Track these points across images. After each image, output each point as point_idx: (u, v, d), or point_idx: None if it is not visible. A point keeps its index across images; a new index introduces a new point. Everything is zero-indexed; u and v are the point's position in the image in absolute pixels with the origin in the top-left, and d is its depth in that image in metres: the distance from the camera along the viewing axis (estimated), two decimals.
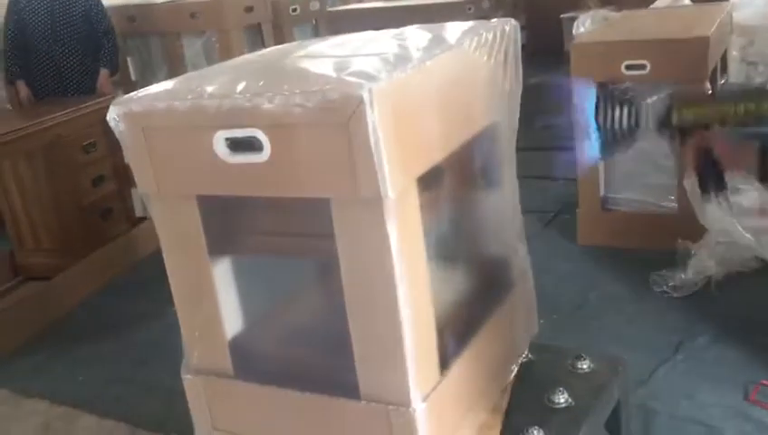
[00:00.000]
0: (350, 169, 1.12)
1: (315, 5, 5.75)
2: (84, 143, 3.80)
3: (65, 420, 2.76)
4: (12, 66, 4.33)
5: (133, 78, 5.14)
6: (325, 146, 1.13)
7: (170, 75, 4.87)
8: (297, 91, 1.12)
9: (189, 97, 1.23)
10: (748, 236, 2.87)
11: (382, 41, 1.43)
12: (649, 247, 3.13)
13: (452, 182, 1.43)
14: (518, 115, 1.56)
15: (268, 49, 1.70)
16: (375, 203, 1.13)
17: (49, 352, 3.25)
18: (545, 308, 1.88)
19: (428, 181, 1.27)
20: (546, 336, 1.76)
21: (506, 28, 1.51)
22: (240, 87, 1.19)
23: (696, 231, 2.96)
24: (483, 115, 1.46)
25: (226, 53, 4.63)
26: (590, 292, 3.06)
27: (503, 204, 1.59)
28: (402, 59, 1.24)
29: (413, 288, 1.20)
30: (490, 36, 1.45)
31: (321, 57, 1.32)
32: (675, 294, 2.86)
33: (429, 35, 1.41)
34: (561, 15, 6.90)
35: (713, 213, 2.89)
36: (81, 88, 4.36)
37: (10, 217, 3.86)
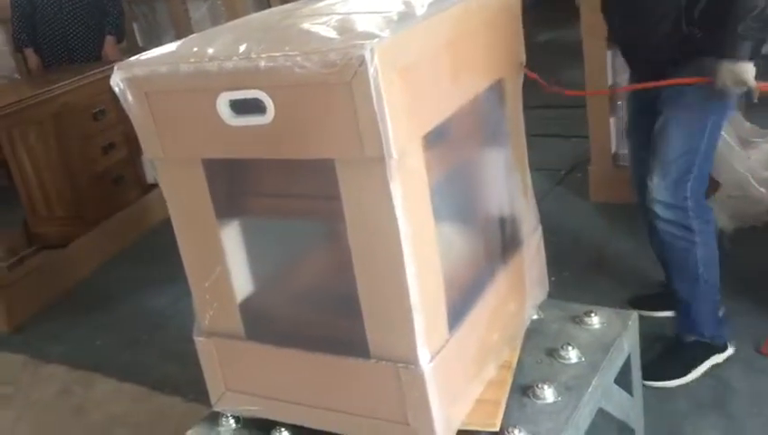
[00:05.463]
0: (353, 130, 1.11)
1: None
2: (94, 111, 3.80)
3: (84, 384, 2.81)
4: (19, 33, 4.32)
5: (140, 44, 5.12)
6: (328, 106, 1.12)
7: (177, 40, 4.83)
8: (299, 51, 1.11)
9: (192, 60, 1.22)
10: (762, 189, 2.84)
11: None
12: None
13: (459, 140, 1.42)
14: (523, 70, 1.55)
15: (270, 9, 1.68)
16: (379, 163, 1.12)
17: (66, 319, 3.30)
18: (557, 265, 1.88)
19: (435, 139, 1.26)
20: (558, 294, 1.76)
21: None
22: (242, 48, 1.18)
23: (708, 185, 2.92)
24: (488, 71, 1.44)
25: (232, 16, 4.59)
26: (602, 248, 3.05)
27: (511, 161, 1.58)
28: (406, 16, 1.22)
29: (419, 247, 1.20)
30: None
31: (324, 16, 1.30)
32: None
33: None
34: None
35: (725, 167, 2.86)
36: (88, 55, 4.35)
37: (23, 186, 3.88)
